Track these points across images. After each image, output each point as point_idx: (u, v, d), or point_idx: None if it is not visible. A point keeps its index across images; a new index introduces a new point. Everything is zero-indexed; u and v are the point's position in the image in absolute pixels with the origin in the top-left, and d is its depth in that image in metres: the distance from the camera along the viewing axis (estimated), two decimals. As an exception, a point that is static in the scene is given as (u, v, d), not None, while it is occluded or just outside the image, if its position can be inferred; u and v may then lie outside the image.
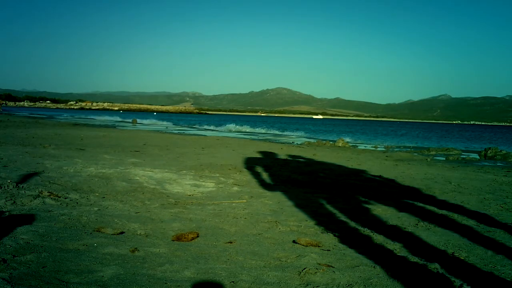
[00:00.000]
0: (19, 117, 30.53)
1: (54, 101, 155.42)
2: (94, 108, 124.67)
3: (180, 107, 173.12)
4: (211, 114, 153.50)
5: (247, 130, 31.95)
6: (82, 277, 2.16)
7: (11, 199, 3.64)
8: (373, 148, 17.24)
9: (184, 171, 6.31)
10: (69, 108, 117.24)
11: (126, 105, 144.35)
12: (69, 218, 3.28)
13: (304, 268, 2.48)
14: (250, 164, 7.59)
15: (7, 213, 3.26)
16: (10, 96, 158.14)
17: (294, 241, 3.12)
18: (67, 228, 3.03)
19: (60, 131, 15.01)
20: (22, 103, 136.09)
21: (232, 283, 2.24)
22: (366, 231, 3.44)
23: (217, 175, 6.21)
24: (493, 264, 2.67)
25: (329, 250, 2.95)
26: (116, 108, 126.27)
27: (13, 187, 4.12)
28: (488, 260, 2.75)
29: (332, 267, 2.55)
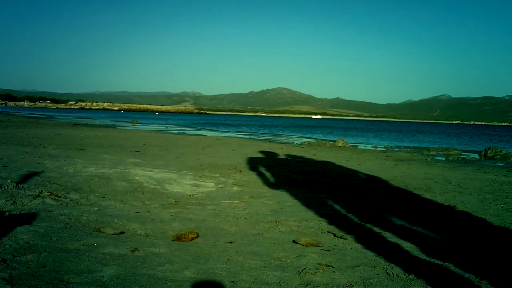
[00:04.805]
0: (19, 117, 30.53)
1: (54, 101, 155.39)
2: (94, 108, 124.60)
3: (180, 107, 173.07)
4: (211, 114, 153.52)
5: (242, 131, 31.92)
6: (82, 277, 2.16)
7: (11, 199, 3.65)
8: (373, 148, 17.24)
9: (184, 171, 6.31)
10: (69, 108, 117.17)
11: (126, 105, 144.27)
12: (69, 218, 3.28)
13: (304, 268, 2.48)
14: (250, 164, 7.59)
15: (7, 213, 3.26)
16: (10, 96, 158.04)
17: (294, 241, 3.12)
18: (67, 228, 3.03)
19: (60, 131, 15.01)
20: (22, 103, 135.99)
21: (232, 283, 2.24)
22: (366, 231, 3.44)
23: (217, 175, 6.21)
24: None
25: (329, 250, 2.95)
26: (116, 108, 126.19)
27: (13, 187, 4.12)
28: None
29: (332, 267, 2.55)
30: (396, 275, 2.42)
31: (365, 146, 18.57)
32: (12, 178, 4.56)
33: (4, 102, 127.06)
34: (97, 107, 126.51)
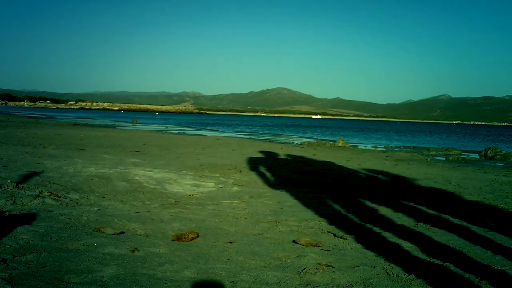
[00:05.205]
0: (19, 117, 30.53)
1: (54, 101, 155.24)
2: (94, 108, 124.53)
3: (180, 107, 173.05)
4: (211, 114, 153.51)
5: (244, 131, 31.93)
6: (82, 277, 2.16)
7: (11, 199, 3.65)
8: (373, 148, 17.24)
9: (184, 171, 6.31)
10: (69, 108, 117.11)
11: (126, 105, 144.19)
12: (69, 218, 3.28)
13: (304, 268, 2.48)
14: (250, 164, 7.59)
15: (7, 213, 3.26)
16: (10, 96, 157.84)
17: (294, 241, 3.12)
18: (67, 228, 3.03)
19: (60, 131, 15.01)
20: (22, 103, 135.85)
21: (232, 283, 2.24)
22: (366, 231, 3.44)
23: (217, 175, 6.21)
24: (493, 263, 2.67)
25: (329, 250, 2.95)
26: (116, 108, 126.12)
27: (13, 187, 4.12)
28: (489, 259, 2.75)
29: (332, 267, 2.55)
30: (396, 275, 2.42)
31: (365, 146, 18.57)
32: (12, 178, 4.56)
33: (4, 102, 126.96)
34: (97, 107, 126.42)
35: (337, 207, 4.37)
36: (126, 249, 2.66)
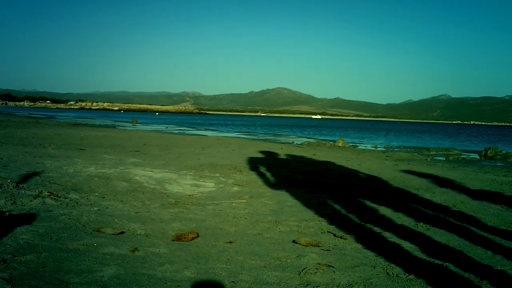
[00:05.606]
0: (19, 117, 30.52)
1: (54, 101, 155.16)
2: (94, 108, 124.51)
3: (180, 107, 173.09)
4: (211, 114, 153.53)
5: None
6: (82, 277, 2.16)
7: (11, 199, 3.65)
8: (373, 148, 17.24)
9: (184, 171, 6.31)
10: (69, 108, 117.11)
11: (126, 105, 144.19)
12: (69, 218, 3.28)
13: (304, 268, 2.48)
14: (250, 164, 7.59)
15: (7, 213, 3.26)
16: (10, 96, 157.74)
17: (294, 241, 3.12)
18: (67, 228, 3.03)
19: (60, 131, 15.01)
20: (22, 103, 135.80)
21: (232, 283, 2.24)
22: (367, 231, 3.44)
23: (217, 175, 6.21)
24: (493, 263, 2.67)
25: (329, 250, 2.95)
26: (116, 108, 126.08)
27: (13, 187, 4.12)
28: (489, 259, 2.75)
29: (332, 267, 2.55)
30: (396, 275, 2.42)
31: (365, 146, 18.57)
32: (12, 178, 4.56)
33: (4, 102, 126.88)
34: (97, 107, 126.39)
35: (337, 207, 4.37)
36: (126, 249, 2.66)
